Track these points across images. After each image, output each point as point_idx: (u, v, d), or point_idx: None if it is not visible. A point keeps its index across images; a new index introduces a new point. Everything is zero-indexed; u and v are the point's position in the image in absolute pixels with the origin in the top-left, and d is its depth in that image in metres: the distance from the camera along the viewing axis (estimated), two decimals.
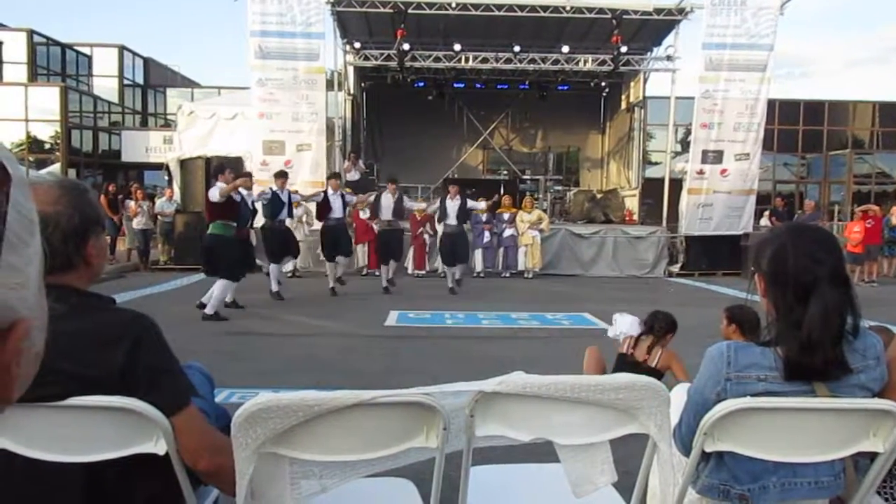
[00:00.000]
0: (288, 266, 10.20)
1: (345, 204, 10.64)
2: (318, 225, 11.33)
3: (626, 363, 4.35)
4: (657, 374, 4.14)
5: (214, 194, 8.38)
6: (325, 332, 7.70)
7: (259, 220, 9.97)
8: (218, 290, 8.32)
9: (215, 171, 8.81)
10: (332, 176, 10.96)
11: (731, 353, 1.71)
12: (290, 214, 10.26)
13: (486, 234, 13.52)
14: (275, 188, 9.84)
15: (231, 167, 9.35)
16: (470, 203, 11.53)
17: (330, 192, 10.41)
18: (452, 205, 11.24)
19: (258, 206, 9.66)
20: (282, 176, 10.07)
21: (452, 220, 11.21)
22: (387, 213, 10.85)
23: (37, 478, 1.57)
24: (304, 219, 12.87)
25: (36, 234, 0.48)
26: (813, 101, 25.72)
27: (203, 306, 8.40)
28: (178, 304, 9.16)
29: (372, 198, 11.32)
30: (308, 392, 1.52)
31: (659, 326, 4.44)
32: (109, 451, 1.56)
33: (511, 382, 1.61)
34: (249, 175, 9.60)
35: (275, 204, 9.72)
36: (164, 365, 1.57)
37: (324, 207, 10.41)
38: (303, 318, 8.41)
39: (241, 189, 8.76)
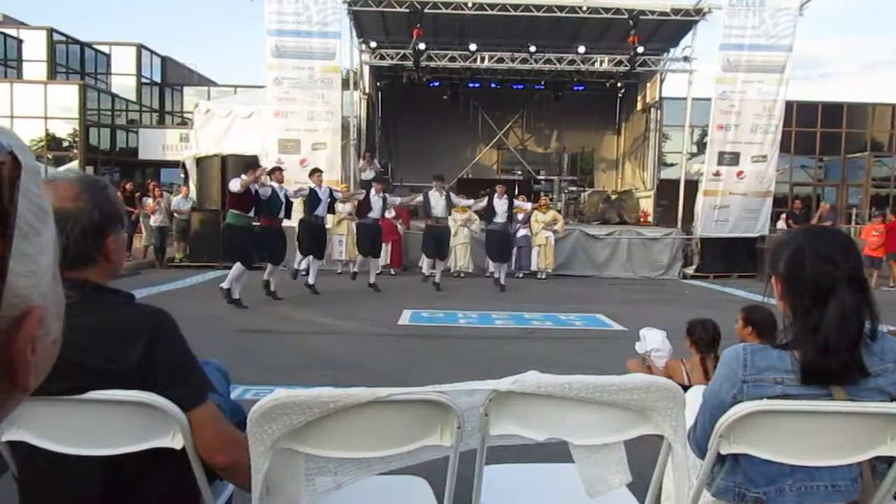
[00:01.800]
0: (303, 265, 10.53)
1: (385, 206, 11.13)
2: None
3: None
4: None
5: (233, 185, 8.79)
6: (338, 330, 7.72)
7: (296, 214, 10.61)
8: (232, 272, 8.84)
9: (245, 167, 9.18)
10: (377, 179, 11.70)
11: (748, 355, 1.69)
12: (332, 210, 10.77)
13: None
14: (312, 185, 10.31)
15: (258, 165, 9.69)
16: (516, 203, 11.94)
17: (373, 193, 10.95)
18: (501, 204, 11.53)
19: (295, 201, 10.21)
20: (316, 172, 10.54)
21: (501, 218, 11.53)
22: (437, 210, 11.26)
23: (57, 470, 1.59)
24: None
25: (48, 223, 0.48)
26: (831, 103, 25.50)
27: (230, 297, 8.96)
28: (193, 301, 9.23)
29: (419, 198, 11.67)
30: (324, 389, 1.53)
31: (714, 338, 3.78)
32: (127, 444, 1.58)
33: (526, 382, 1.61)
34: (280, 170, 10.05)
35: (312, 200, 10.22)
36: (182, 360, 1.59)
37: (364, 206, 10.91)
38: (316, 317, 8.45)
39: (272, 182, 9.34)
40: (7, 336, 0.44)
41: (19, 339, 0.45)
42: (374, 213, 10.88)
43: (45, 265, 0.48)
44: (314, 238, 10.33)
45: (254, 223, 9.17)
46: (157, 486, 1.64)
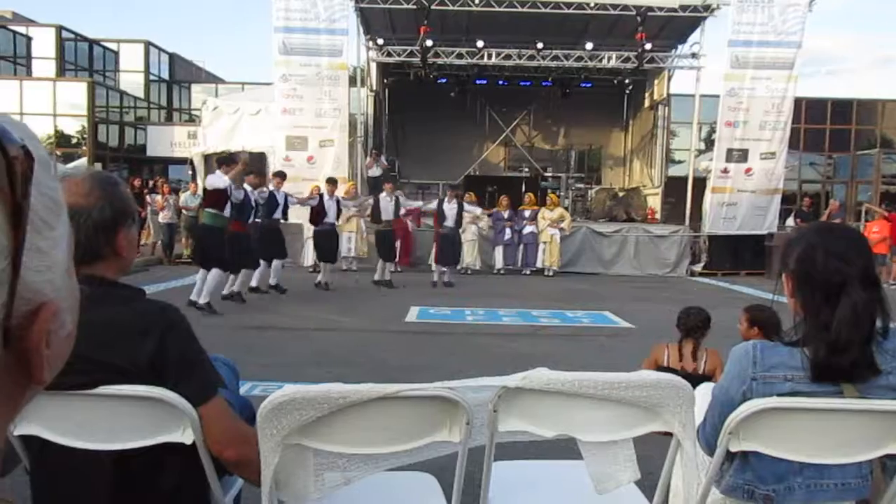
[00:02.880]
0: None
1: (339, 209, 10.77)
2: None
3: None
4: (709, 380, 3.55)
5: (218, 181, 8.10)
6: (345, 327, 7.73)
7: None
8: (209, 282, 8.19)
9: (220, 162, 8.59)
10: (329, 181, 11.03)
11: (758, 352, 1.69)
12: (285, 216, 10.19)
13: (507, 231, 13.50)
14: (272, 187, 9.86)
15: (235, 161, 9.01)
16: (467, 207, 11.72)
17: (325, 197, 10.55)
18: (450, 207, 11.34)
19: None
20: (278, 176, 10.18)
21: (451, 222, 11.33)
22: (387, 214, 11.06)
23: (68, 463, 1.60)
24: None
25: (62, 216, 0.48)
26: (841, 100, 25.32)
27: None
28: None
29: (370, 201, 11.42)
30: (333, 385, 1.53)
31: (695, 325, 3.91)
32: (137, 439, 1.59)
33: (535, 378, 1.61)
34: (252, 173, 9.49)
35: (270, 203, 9.69)
36: (193, 356, 1.60)
37: (318, 212, 10.49)
38: (323, 314, 8.46)
39: (246, 185, 8.86)
40: (21, 331, 0.44)
41: (33, 334, 0.45)
42: (330, 218, 10.53)
43: (58, 259, 0.47)
44: (270, 241, 9.71)
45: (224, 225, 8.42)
46: (167, 480, 1.65)
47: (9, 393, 0.47)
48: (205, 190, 8.33)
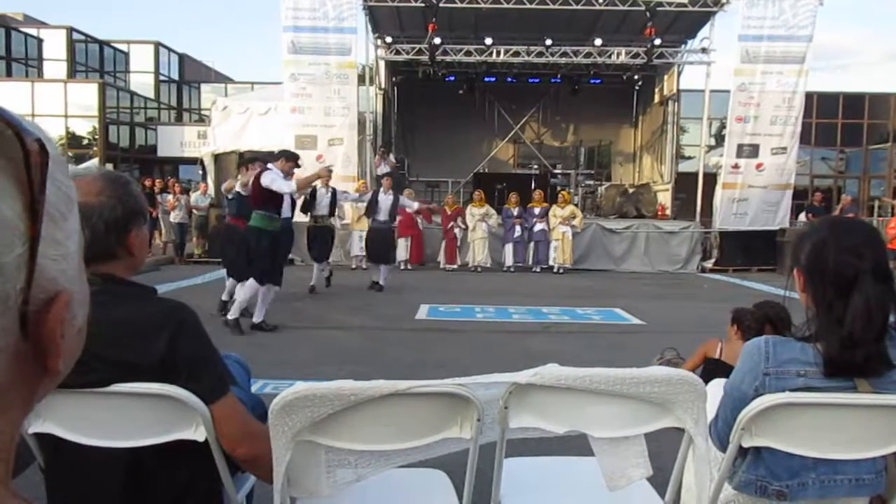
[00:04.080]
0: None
1: (293, 200, 8.86)
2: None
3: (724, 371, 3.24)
4: None
5: (283, 185, 6.90)
6: (356, 325, 7.74)
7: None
8: (245, 293, 7.07)
9: (285, 154, 7.38)
10: (392, 175, 9.83)
11: (770, 347, 1.68)
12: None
13: (517, 228, 13.49)
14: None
15: (296, 157, 7.70)
16: (402, 200, 10.78)
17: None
18: (386, 199, 10.37)
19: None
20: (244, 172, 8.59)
21: (384, 215, 10.33)
22: (320, 208, 9.99)
23: (82, 461, 1.61)
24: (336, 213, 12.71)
25: (74, 210, 0.50)
26: (852, 94, 25.11)
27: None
28: (211, 297, 9.26)
29: (308, 190, 9.79)
30: (344, 382, 1.54)
31: (748, 326, 3.81)
32: (150, 437, 1.60)
33: (546, 374, 1.60)
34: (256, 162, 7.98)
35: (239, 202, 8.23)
36: (204, 354, 1.60)
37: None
38: (334, 312, 8.48)
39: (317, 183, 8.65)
40: (37, 317, 0.45)
41: (49, 321, 0.46)
42: (284, 213, 8.55)
43: (71, 251, 0.49)
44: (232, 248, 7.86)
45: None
46: (180, 477, 1.66)
47: (26, 382, 0.48)
48: (259, 186, 6.88)
